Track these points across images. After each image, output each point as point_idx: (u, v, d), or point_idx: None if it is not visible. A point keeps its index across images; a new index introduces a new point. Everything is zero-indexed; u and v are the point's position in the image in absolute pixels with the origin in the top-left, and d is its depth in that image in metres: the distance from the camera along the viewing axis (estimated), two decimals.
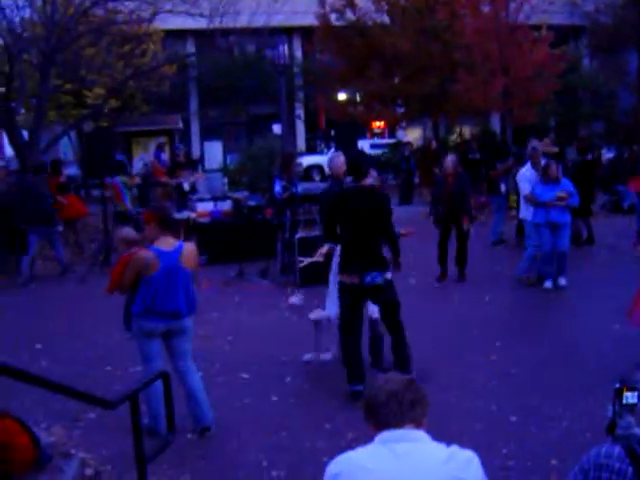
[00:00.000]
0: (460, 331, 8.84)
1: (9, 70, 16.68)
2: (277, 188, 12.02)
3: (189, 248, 6.13)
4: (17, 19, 18.10)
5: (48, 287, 12.45)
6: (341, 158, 8.80)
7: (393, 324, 6.99)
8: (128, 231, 7.20)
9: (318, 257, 7.73)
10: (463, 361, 7.53)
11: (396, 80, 25.38)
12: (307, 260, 7.92)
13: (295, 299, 9.03)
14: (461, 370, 7.40)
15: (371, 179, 7.17)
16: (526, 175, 11.19)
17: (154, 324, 5.94)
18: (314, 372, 7.68)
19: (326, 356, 7.83)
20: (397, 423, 2.79)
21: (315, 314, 7.87)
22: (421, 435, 2.82)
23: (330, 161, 9.23)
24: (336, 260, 7.40)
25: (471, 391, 6.97)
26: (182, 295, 5.92)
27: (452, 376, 7.28)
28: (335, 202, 7.11)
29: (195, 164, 18.44)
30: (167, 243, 5.94)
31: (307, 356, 7.93)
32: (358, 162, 7.27)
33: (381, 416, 2.82)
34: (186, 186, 15.30)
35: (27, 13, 18.70)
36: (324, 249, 7.60)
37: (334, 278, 7.47)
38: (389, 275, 6.87)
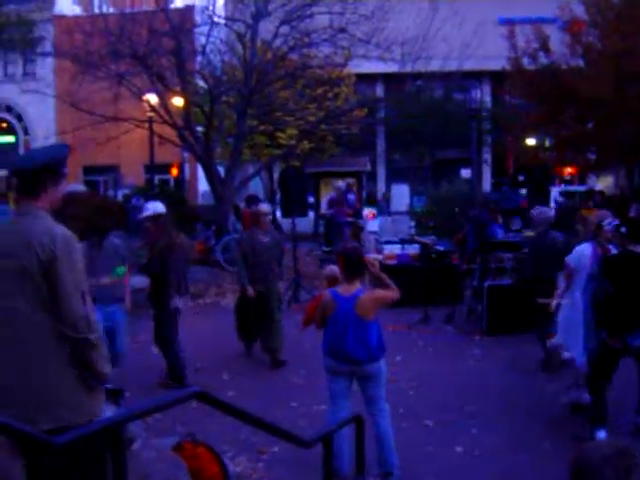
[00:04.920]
0: None
1: (210, 110, 17.59)
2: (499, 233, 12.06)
3: (368, 296, 5.97)
4: (219, 63, 19.11)
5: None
6: (551, 212, 8.69)
7: None
8: (331, 269, 7.27)
9: (560, 299, 7.53)
10: None
11: (590, 126, 24.55)
12: (554, 302, 7.70)
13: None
14: None
15: None
16: None
17: (335, 364, 6.01)
18: (502, 425, 7.41)
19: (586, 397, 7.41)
20: None
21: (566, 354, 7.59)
22: None
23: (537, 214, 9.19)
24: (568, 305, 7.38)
25: None
26: (358, 342, 5.89)
27: None
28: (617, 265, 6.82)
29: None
30: (347, 287, 5.96)
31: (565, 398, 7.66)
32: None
33: None
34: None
35: (227, 57, 19.71)
36: (560, 292, 7.45)
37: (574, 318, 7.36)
38: None
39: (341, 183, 20.56)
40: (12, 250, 3.70)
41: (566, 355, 7.49)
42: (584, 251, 7.42)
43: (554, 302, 7.68)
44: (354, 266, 5.98)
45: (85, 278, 3.82)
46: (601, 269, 6.82)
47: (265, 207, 10.39)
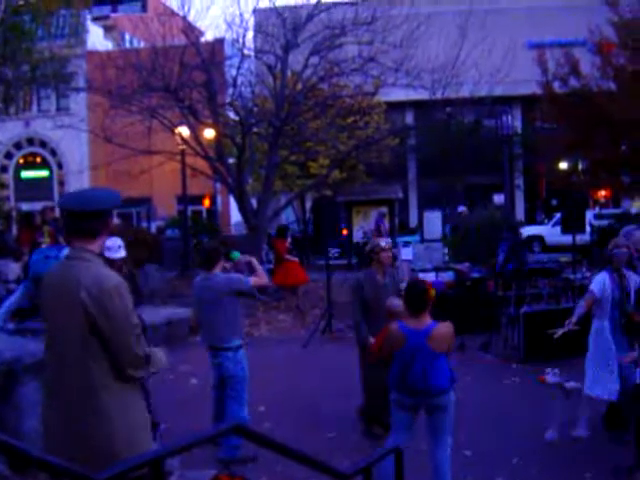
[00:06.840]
0: None
1: (241, 142, 17.71)
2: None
3: (442, 329, 5.83)
4: (249, 95, 19.29)
5: (271, 348, 12.78)
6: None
7: None
8: (394, 302, 7.17)
9: (570, 326, 7.36)
10: None
11: (623, 148, 24.35)
12: (560, 331, 7.52)
13: (551, 377, 8.34)
14: None
15: None
16: None
17: (400, 397, 5.94)
18: (544, 454, 7.27)
19: (581, 432, 7.33)
20: None
21: (571, 385, 7.46)
22: None
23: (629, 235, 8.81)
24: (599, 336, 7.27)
25: None
26: (428, 375, 5.77)
27: None
28: None
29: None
30: (417, 321, 5.83)
31: (550, 434, 7.48)
32: None
33: None
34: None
35: (258, 89, 19.89)
36: (574, 318, 7.29)
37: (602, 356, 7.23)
38: None
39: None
40: (63, 297, 3.66)
41: (570, 385, 7.35)
42: (605, 280, 7.30)
43: (560, 332, 7.51)
44: (417, 300, 5.86)
45: (137, 320, 3.75)
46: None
47: (384, 241, 8.35)
